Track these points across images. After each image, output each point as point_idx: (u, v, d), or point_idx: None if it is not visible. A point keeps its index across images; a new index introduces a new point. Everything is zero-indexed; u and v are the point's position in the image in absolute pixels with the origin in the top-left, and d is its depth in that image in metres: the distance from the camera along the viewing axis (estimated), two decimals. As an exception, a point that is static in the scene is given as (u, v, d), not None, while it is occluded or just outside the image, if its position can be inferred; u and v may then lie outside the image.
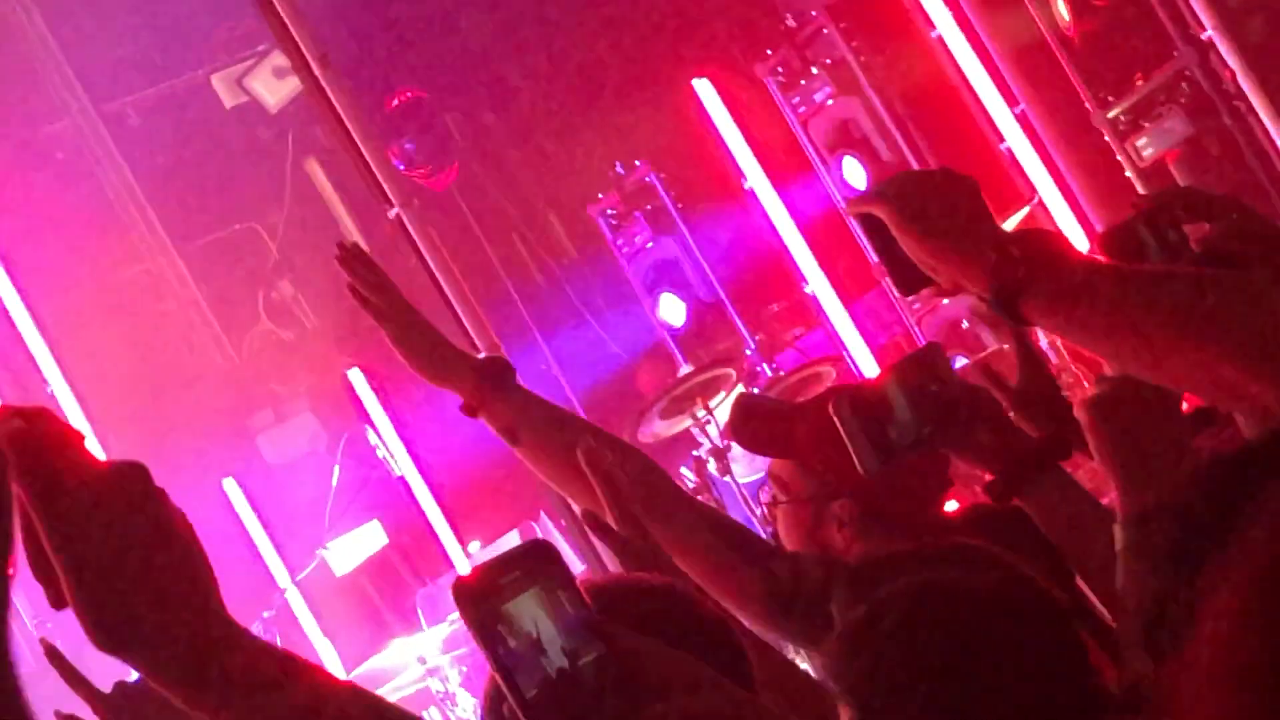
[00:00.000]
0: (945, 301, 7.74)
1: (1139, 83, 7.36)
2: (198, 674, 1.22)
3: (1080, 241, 7.34)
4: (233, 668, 1.23)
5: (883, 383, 2.32)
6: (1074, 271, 1.77)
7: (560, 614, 1.50)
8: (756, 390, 7.78)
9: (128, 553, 1.19)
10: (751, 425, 2.91)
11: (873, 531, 2.71)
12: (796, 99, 8.32)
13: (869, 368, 7.92)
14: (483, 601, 1.49)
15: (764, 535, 3.37)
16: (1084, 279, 1.77)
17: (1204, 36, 7.06)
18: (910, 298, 7.10)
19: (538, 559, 1.53)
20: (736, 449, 7.40)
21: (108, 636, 1.19)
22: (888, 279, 2.05)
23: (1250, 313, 1.71)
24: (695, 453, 7.53)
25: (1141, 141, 7.31)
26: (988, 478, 2.41)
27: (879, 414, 2.30)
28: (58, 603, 1.19)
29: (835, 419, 2.28)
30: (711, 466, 7.36)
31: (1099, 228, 7.34)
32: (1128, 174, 7.36)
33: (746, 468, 7.42)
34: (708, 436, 7.42)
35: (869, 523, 2.71)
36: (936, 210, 1.86)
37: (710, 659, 1.69)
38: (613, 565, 6.14)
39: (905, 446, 2.31)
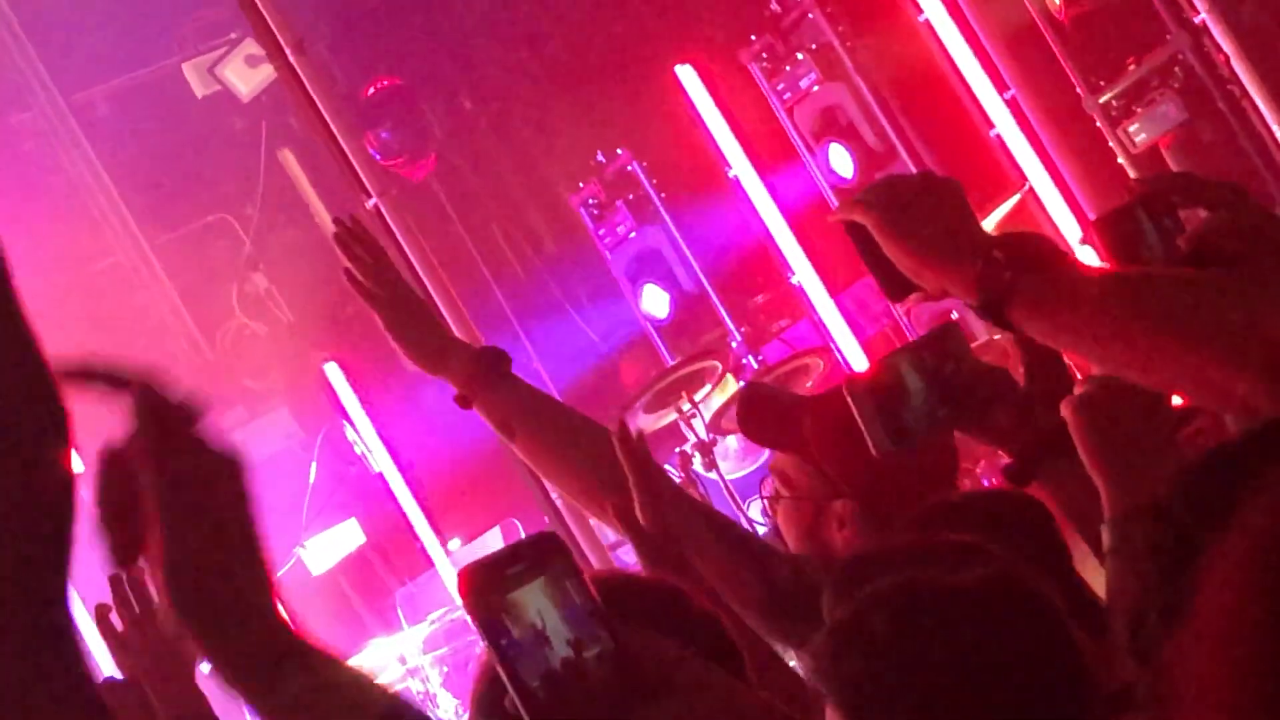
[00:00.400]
0: (935, 293, 7.63)
1: (1131, 67, 7.27)
2: (265, 676, 1.31)
3: (1072, 228, 7.24)
4: (295, 676, 1.31)
5: (897, 363, 2.30)
6: (1059, 277, 1.80)
7: (567, 605, 1.51)
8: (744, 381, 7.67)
9: (222, 540, 1.29)
10: (758, 416, 2.90)
11: (872, 533, 2.69)
12: (781, 85, 8.20)
13: (857, 360, 7.81)
14: (487, 590, 1.50)
15: (755, 533, 3.41)
16: (1069, 285, 1.79)
17: (1197, 20, 6.97)
18: (898, 304, 7.00)
19: (545, 550, 1.54)
20: (723, 444, 7.29)
21: (184, 601, 1.27)
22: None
23: (1233, 314, 1.73)
24: (680, 448, 7.42)
25: (1134, 127, 7.21)
26: (1004, 461, 2.39)
27: (894, 395, 2.29)
28: (123, 557, 1.27)
29: (849, 399, 2.26)
30: (697, 462, 7.24)
31: (1091, 214, 7.25)
32: (1120, 160, 7.27)
33: (733, 464, 7.31)
34: (693, 431, 7.30)
35: (869, 523, 2.70)
36: (919, 217, 1.86)
37: (703, 656, 1.72)
38: (596, 560, 5.95)
39: (920, 429, 2.30)
